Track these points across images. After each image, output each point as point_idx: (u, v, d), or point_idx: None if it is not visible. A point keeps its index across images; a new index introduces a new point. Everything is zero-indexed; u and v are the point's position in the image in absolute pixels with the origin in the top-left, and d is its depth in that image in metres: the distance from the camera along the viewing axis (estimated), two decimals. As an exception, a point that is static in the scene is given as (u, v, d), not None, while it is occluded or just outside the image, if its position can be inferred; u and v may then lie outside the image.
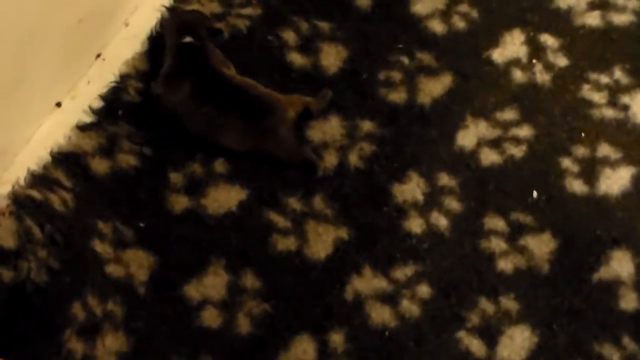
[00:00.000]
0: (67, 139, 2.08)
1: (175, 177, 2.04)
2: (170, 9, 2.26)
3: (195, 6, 2.26)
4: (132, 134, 2.10)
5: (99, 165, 2.04)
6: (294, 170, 2.04)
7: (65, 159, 2.04)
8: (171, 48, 2.12)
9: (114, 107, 2.14)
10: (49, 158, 2.04)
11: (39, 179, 1.98)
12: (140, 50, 2.22)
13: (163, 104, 2.09)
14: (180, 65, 2.10)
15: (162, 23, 2.23)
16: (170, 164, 2.06)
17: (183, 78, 2.07)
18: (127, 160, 2.05)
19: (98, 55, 2.24)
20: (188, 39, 2.10)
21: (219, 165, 2.06)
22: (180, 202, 2.01)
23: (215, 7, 2.27)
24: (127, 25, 2.29)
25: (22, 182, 1.97)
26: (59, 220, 1.90)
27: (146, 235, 1.97)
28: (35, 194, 1.92)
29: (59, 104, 2.17)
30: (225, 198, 2.01)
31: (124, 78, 2.17)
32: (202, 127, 2.04)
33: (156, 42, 2.22)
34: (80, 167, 2.03)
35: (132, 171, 2.05)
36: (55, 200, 1.94)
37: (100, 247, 1.92)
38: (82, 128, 2.10)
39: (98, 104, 2.14)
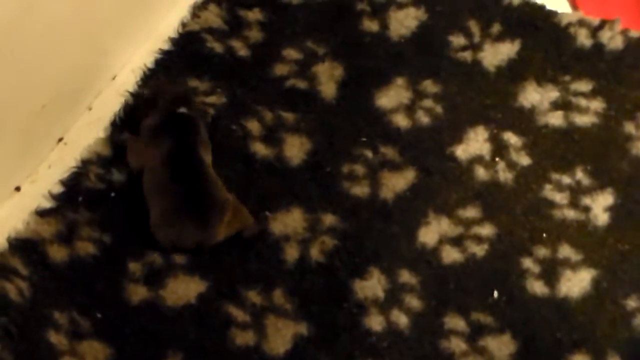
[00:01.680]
0: (25, 225, 2.05)
1: (134, 267, 2.01)
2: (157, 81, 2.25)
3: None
4: (92, 221, 2.07)
5: (57, 253, 2.01)
6: (254, 262, 2.02)
7: (23, 246, 2.01)
8: (161, 111, 2.10)
9: (74, 193, 2.11)
10: (5, 245, 2.00)
11: (-5, 267, 1.95)
12: (103, 135, 2.20)
13: (134, 156, 2.09)
14: (166, 130, 2.07)
15: (152, 88, 2.20)
16: (130, 253, 2.03)
17: (162, 142, 2.05)
18: (86, 248, 2.03)
19: (60, 140, 2.23)
20: (183, 110, 2.09)
21: (179, 256, 2.03)
22: (138, 293, 1.98)
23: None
24: (90, 109, 2.28)
25: (-23, 269, 1.93)
26: (14, 311, 1.87)
27: (103, 326, 1.95)
28: (-10, 283, 1.89)
29: (18, 188, 2.15)
30: (184, 290, 1.99)
31: (85, 163, 2.15)
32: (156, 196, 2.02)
33: (118, 127, 2.20)
34: (37, 255, 2.00)
35: (90, 259, 2.02)
36: (11, 290, 1.91)
37: (56, 339, 1.90)
38: (40, 214, 2.07)
39: (58, 189, 2.12)
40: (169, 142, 2.03)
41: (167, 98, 2.11)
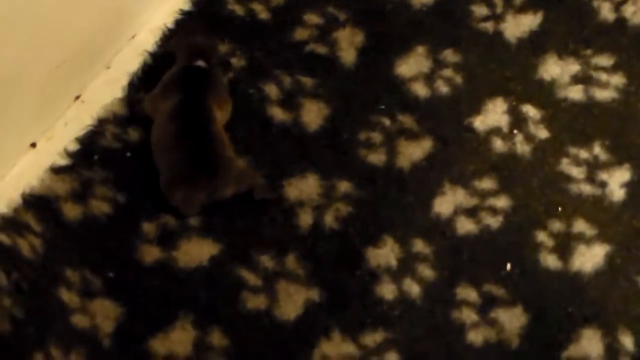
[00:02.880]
0: (40, 182, 2.05)
1: (148, 228, 2.01)
2: (180, 31, 2.24)
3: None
4: (107, 180, 2.07)
5: (71, 211, 2.01)
6: (268, 227, 2.02)
7: (37, 203, 2.01)
8: (178, 64, 2.12)
9: (90, 151, 2.11)
10: (20, 200, 2.01)
11: (8, 223, 1.95)
12: (120, 95, 2.20)
13: (141, 108, 2.10)
14: (178, 83, 2.08)
15: (174, 41, 2.20)
16: (144, 214, 2.03)
17: (172, 96, 2.05)
18: (100, 207, 2.03)
19: (77, 97, 2.22)
20: (200, 63, 2.08)
21: (193, 218, 2.03)
22: (151, 254, 1.99)
23: (199, 56, 2.24)
24: (108, 67, 2.27)
25: (-9, 223, 1.93)
26: (27, 267, 1.88)
27: (115, 285, 1.95)
28: (3, 238, 1.89)
29: (33, 145, 2.15)
30: (197, 252, 1.99)
31: (102, 122, 2.15)
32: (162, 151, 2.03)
33: (136, 88, 2.19)
34: (51, 212, 2.00)
35: (104, 218, 2.02)
36: (23, 245, 1.91)
37: (67, 296, 1.90)
38: (56, 171, 2.08)
39: (74, 147, 2.12)
40: (178, 96, 2.03)
41: (185, 50, 2.10)
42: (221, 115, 2.08)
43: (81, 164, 2.09)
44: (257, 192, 2.03)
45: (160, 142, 2.03)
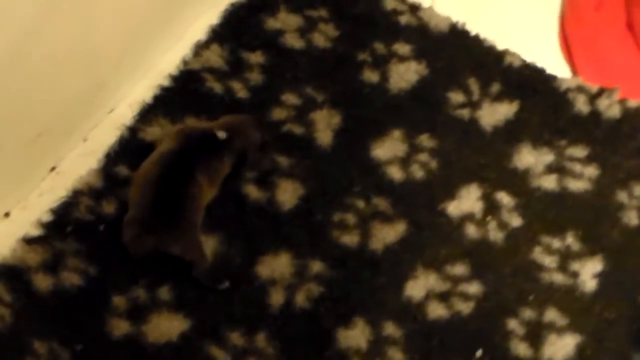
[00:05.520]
0: (11, 252, 2.04)
1: (118, 301, 2.00)
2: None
3: (155, 129, 2.24)
4: (79, 252, 2.06)
5: (42, 282, 2.00)
6: (239, 304, 2.01)
7: (8, 273, 2.00)
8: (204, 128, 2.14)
9: (64, 222, 2.10)
10: (-9, 270, 1.99)
11: (-22, 292, 1.94)
12: (96, 166, 2.19)
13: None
14: (189, 137, 2.09)
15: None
16: (115, 287, 2.02)
17: (179, 142, 2.07)
18: (71, 279, 2.02)
19: (53, 169, 2.22)
20: (221, 134, 2.10)
21: (164, 292, 2.03)
22: (120, 327, 1.97)
23: (176, 132, 2.24)
24: (85, 140, 2.27)
25: (-40, 293, 1.92)
26: (-6, 337, 1.85)
27: (82, 359, 1.92)
28: (-28, 307, 1.88)
29: (7, 214, 2.14)
30: (167, 327, 1.98)
31: (76, 194, 2.14)
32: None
33: (112, 161, 2.19)
34: (22, 283, 1.99)
35: (74, 291, 2.01)
36: (-8, 316, 1.89)
37: (33, 369, 1.87)
38: (28, 241, 2.06)
39: (48, 217, 2.11)
40: (182, 145, 2.05)
41: (225, 124, 2.14)
42: (209, 190, 2.08)
43: (54, 235, 2.08)
44: (196, 271, 2.02)
45: (141, 176, 2.03)
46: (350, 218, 2.16)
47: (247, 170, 2.13)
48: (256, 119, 2.22)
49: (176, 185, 2.02)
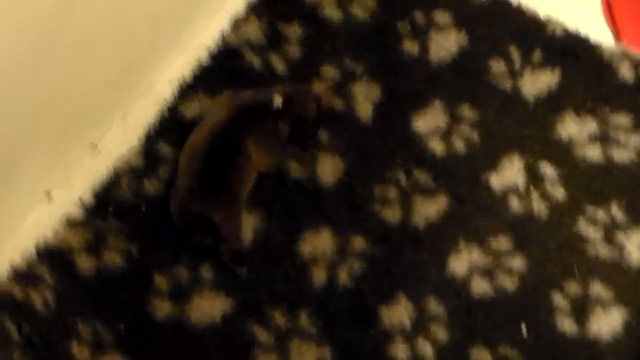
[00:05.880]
0: (54, 233, 2.05)
1: (160, 281, 2.01)
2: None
3: (195, 105, 2.22)
4: (121, 233, 2.06)
5: (85, 263, 2.01)
6: (281, 283, 2.01)
7: (50, 255, 2.02)
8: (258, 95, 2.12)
9: (105, 202, 2.11)
10: (34, 252, 2.01)
11: (21, 275, 1.95)
12: (136, 145, 2.18)
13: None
14: (239, 108, 2.08)
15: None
16: (157, 267, 2.02)
17: (228, 112, 2.07)
18: (113, 259, 2.02)
19: (93, 147, 2.21)
20: (277, 101, 2.08)
21: (205, 271, 2.03)
22: (163, 308, 1.98)
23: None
24: (125, 117, 2.26)
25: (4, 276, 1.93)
26: (38, 320, 1.89)
27: (126, 339, 1.95)
28: (16, 291, 1.89)
29: (48, 194, 2.14)
30: (209, 307, 1.99)
31: (117, 173, 2.14)
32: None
33: (152, 139, 2.18)
34: (64, 264, 2.01)
35: (117, 271, 2.02)
36: (36, 299, 1.92)
37: (77, 350, 1.90)
38: (70, 222, 2.07)
39: (89, 197, 2.11)
40: (231, 114, 2.04)
41: (282, 92, 2.11)
42: (258, 158, 2.06)
43: (96, 215, 2.09)
44: (224, 247, 2.03)
45: (190, 146, 2.04)
46: (392, 192, 2.14)
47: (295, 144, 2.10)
48: (312, 90, 2.19)
49: (224, 154, 2.01)
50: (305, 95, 2.13)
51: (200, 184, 1.97)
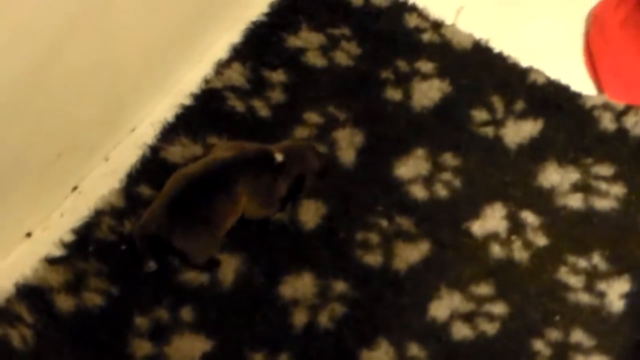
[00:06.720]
0: (34, 272, 2.03)
1: (141, 321, 1.99)
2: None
3: (177, 148, 2.23)
4: (101, 272, 2.05)
5: (64, 302, 2.00)
6: (262, 325, 2.00)
7: (30, 293, 2.00)
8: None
9: (85, 242, 2.09)
10: (13, 290, 1.99)
11: (0, 313, 1.93)
12: (118, 186, 2.18)
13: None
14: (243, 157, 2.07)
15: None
16: (137, 307, 2.01)
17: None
18: (93, 299, 2.01)
19: (75, 188, 2.21)
20: (279, 157, 2.08)
21: (186, 312, 2.02)
22: (143, 348, 1.97)
23: (198, 150, 2.23)
24: (107, 160, 2.26)
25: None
26: (16, 358, 1.84)
27: (105, 381, 1.92)
28: (-6, 328, 1.87)
29: (29, 234, 2.13)
30: (189, 348, 1.97)
31: (98, 214, 2.13)
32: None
33: (133, 181, 2.18)
34: (44, 303, 1.99)
35: (97, 311, 2.00)
36: (14, 336, 1.90)
37: (56, 389, 1.87)
38: (50, 261, 2.06)
39: (69, 237, 2.10)
40: (228, 155, 2.04)
41: (284, 149, 2.12)
42: (249, 207, 2.06)
43: (76, 255, 2.07)
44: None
45: (179, 173, 2.03)
46: (374, 237, 2.14)
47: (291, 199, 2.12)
48: (314, 146, 2.20)
49: (209, 189, 2.00)
50: (308, 153, 2.13)
51: (168, 208, 1.96)
